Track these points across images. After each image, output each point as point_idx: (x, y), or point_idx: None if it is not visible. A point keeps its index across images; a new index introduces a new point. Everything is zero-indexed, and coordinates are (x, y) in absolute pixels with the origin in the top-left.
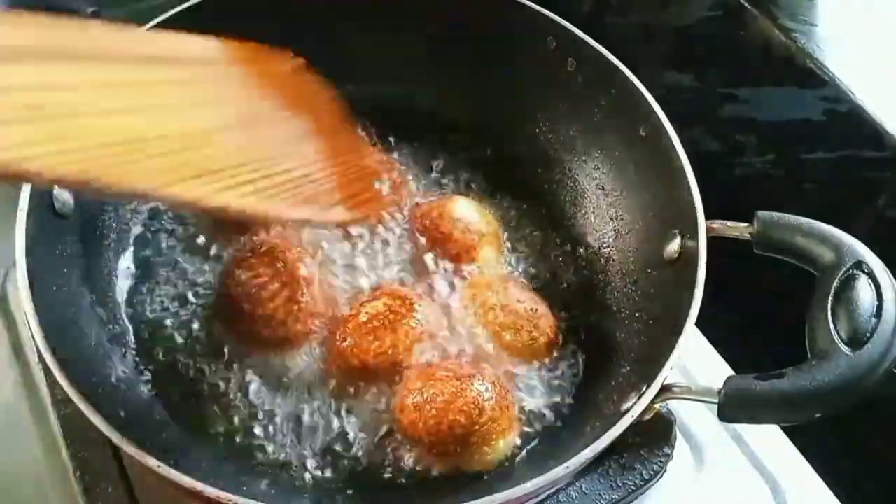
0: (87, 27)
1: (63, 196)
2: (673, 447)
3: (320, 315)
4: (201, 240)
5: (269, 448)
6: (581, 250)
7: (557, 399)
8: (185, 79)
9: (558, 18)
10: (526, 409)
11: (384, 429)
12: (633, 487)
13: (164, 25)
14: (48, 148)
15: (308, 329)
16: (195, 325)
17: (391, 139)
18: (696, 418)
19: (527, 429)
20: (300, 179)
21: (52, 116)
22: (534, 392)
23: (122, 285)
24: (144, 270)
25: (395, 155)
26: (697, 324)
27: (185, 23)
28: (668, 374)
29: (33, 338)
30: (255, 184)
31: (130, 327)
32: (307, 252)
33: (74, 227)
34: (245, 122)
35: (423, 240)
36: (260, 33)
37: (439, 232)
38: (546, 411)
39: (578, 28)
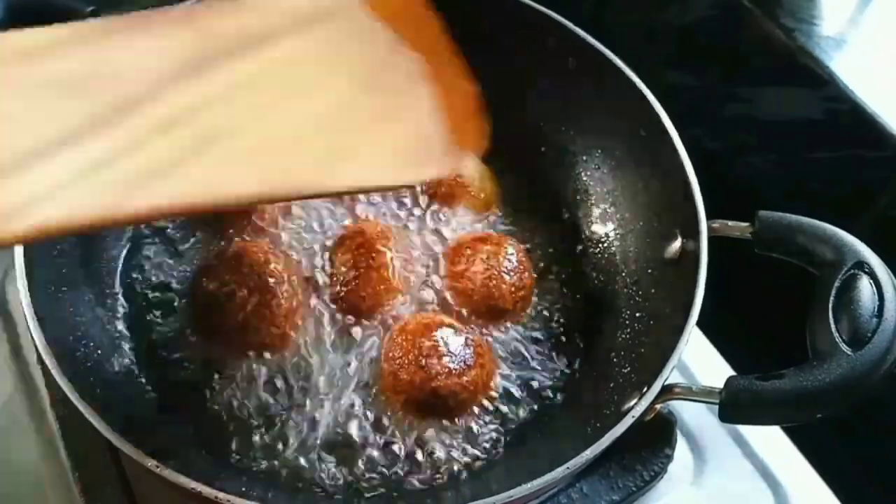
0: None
1: None
2: (674, 448)
3: (296, 312)
4: (195, 239)
5: (269, 447)
6: (581, 250)
7: (557, 399)
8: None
9: (558, 17)
10: (525, 403)
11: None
12: (633, 488)
13: None
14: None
15: (284, 331)
16: (188, 330)
17: None
18: (697, 419)
19: (525, 423)
20: (422, 130)
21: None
22: (533, 388)
23: (122, 285)
24: (144, 270)
25: None
26: (698, 324)
27: None
28: (669, 374)
29: (32, 338)
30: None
31: (130, 327)
32: (278, 250)
33: None
34: (367, 76)
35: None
36: None
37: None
38: (546, 410)
39: (578, 28)
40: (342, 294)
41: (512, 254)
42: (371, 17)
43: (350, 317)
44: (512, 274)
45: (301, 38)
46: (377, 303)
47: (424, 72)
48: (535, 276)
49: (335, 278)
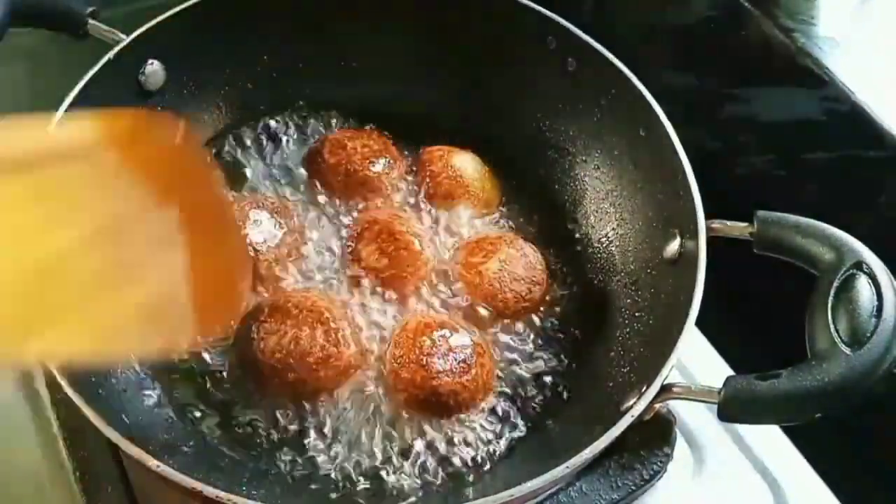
0: None
1: None
2: (673, 447)
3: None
4: None
5: (269, 446)
6: (580, 250)
7: (556, 398)
8: (39, 185)
9: (558, 18)
10: (524, 404)
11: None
12: (632, 487)
13: (163, 25)
14: None
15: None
16: None
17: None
18: (696, 418)
19: (525, 423)
20: (158, 302)
21: None
22: (532, 387)
23: None
24: None
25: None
26: (697, 324)
27: (184, 23)
28: (668, 373)
29: None
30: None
31: None
32: (320, 295)
33: None
34: (107, 228)
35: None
36: (259, 35)
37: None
38: (545, 410)
39: (578, 28)
40: (383, 279)
41: (527, 255)
42: (120, 164)
43: (392, 294)
44: (523, 281)
45: (23, 181)
46: (418, 276)
47: (177, 233)
48: (546, 279)
49: (368, 271)
